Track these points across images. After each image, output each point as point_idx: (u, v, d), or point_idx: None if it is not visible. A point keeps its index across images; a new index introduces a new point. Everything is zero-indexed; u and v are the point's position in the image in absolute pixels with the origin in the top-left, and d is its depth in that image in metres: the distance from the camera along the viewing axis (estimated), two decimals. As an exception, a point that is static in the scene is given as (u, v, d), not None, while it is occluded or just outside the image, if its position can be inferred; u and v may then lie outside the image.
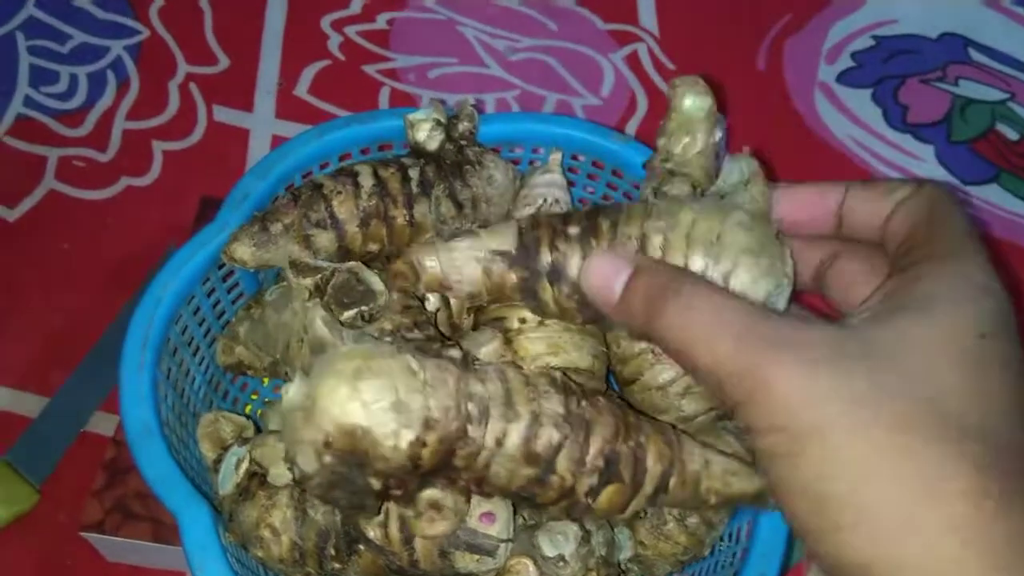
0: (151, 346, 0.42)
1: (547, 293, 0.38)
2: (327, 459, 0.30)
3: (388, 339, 0.35)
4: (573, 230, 0.38)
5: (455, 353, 0.33)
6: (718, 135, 0.42)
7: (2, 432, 0.53)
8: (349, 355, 0.31)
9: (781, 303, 0.35)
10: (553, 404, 0.33)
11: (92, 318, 0.57)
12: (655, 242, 0.37)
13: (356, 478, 0.31)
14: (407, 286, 0.38)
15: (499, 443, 0.32)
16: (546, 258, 0.38)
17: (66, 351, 0.56)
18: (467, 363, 0.33)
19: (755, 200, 0.40)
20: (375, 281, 0.40)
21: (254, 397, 0.51)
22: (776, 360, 0.27)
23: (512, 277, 0.38)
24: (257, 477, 0.39)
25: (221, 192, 0.47)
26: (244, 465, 0.39)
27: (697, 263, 0.36)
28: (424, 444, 0.31)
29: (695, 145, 0.42)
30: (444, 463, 0.32)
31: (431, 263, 0.39)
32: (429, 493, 0.34)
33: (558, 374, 0.35)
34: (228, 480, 0.39)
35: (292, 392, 0.31)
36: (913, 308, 0.28)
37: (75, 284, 0.59)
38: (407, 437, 0.30)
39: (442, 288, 0.39)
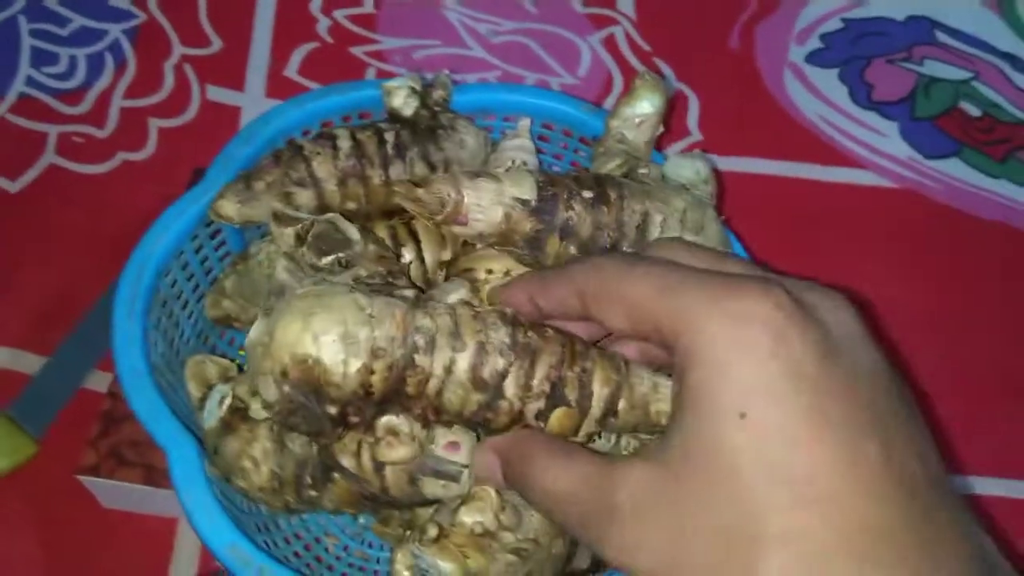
0: (141, 296, 0.45)
1: (552, 247, 0.42)
2: (285, 388, 0.34)
3: (349, 283, 0.38)
4: (587, 194, 0.42)
5: (407, 293, 0.37)
6: (660, 128, 0.50)
7: (3, 388, 0.56)
8: (303, 295, 0.34)
9: None
10: (500, 335, 0.36)
11: (89, 283, 0.60)
12: (656, 219, 0.43)
13: (313, 406, 0.34)
14: (423, 212, 0.41)
15: (448, 371, 0.35)
16: (562, 215, 0.41)
17: (64, 314, 0.59)
18: (417, 301, 0.36)
19: (712, 197, 0.48)
20: (352, 230, 0.43)
21: (241, 352, 0.54)
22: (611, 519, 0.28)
23: (527, 226, 0.41)
24: (239, 412, 0.42)
25: (212, 164, 0.50)
26: (227, 401, 0.42)
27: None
28: (372, 371, 0.34)
29: (645, 135, 0.49)
30: (396, 391, 0.35)
31: (464, 195, 0.40)
32: (386, 420, 0.37)
33: (508, 310, 0.37)
34: (212, 416, 0.42)
35: (253, 330, 0.35)
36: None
37: (74, 252, 0.62)
38: (355, 365, 0.34)
39: (456, 222, 0.41)
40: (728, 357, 0.27)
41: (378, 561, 0.50)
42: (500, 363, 0.35)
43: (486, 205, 0.40)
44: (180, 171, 0.63)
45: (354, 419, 0.36)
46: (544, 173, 0.43)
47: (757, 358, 0.26)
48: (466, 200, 0.40)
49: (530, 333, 0.36)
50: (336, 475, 0.40)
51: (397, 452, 0.37)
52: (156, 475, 0.50)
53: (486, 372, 0.35)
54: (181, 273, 0.48)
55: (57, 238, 0.62)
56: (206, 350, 0.52)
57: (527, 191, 0.41)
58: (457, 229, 0.41)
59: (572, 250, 0.41)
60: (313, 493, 0.41)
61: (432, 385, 0.35)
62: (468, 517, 0.40)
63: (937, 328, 0.65)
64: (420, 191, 0.40)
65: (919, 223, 0.69)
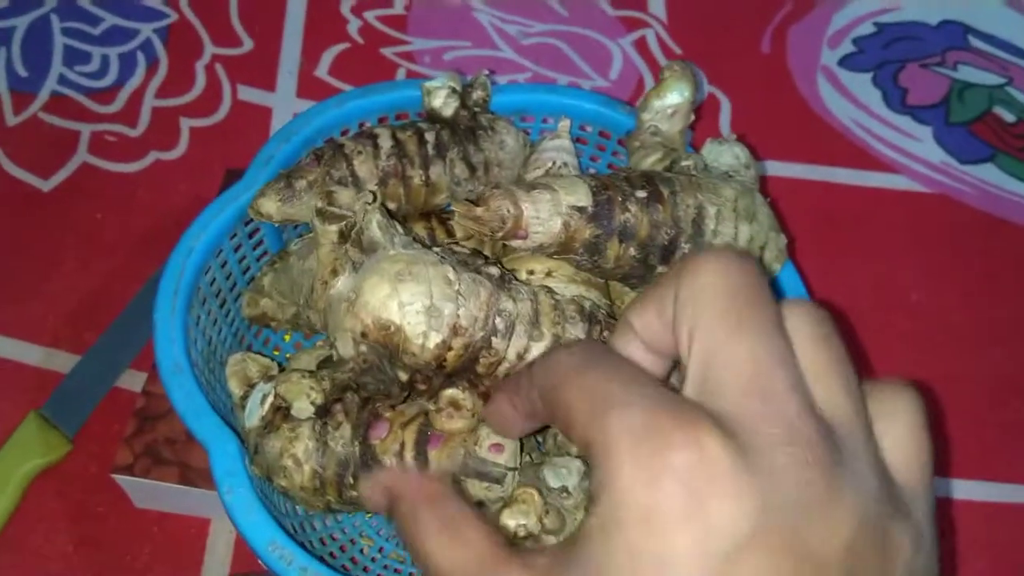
0: (182, 293, 0.45)
1: (613, 250, 0.42)
2: (362, 348, 0.34)
3: (437, 250, 0.38)
4: (641, 193, 0.42)
5: (493, 271, 0.36)
6: (692, 116, 0.49)
7: (37, 386, 0.56)
8: (395, 258, 0.34)
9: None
10: (576, 330, 0.36)
11: (122, 282, 0.60)
12: (710, 211, 0.42)
13: (386, 368, 0.34)
14: (483, 230, 0.40)
15: (520, 357, 0.35)
16: (619, 218, 0.41)
17: (97, 313, 0.59)
18: (503, 281, 0.36)
19: (755, 181, 0.47)
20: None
21: (276, 352, 0.54)
22: None
23: (586, 233, 0.41)
24: (281, 411, 0.41)
25: (244, 165, 0.50)
26: (269, 400, 0.41)
27: (745, 232, 0.43)
28: (450, 348, 0.34)
29: (678, 125, 0.49)
30: (467, 367, 0.35)
31: (523, 209, 0.40)
32: (451, 392, 0.37)
33: (588, 303, 0.37)
34: (254, 414, 0.42)
35: (340, 284, 0.34)
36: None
37: (106, 251, 0.62)
38: (435, 339, 0.33)
39: (516, 236, 0.41)
40: (632, 516, 0.22)
41: (414, 563, 0.50)
42: None
43: (544, 217, 0.40)
44: (212, 171, 0.63)
45: (421, 387, 0.36)
46: (594, 176, 0.43)
47: (662, 527, 0.21)
48: (525, 214, 0.40)
49: (605, 333, 0.36)
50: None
51: (455, 424, 0.37)
52: (192, 474, 0.50)
53: None
54: (220, 271, 0.48)
55: (89, 237, 0.62)
56: (242, 349, 0.51)
57: (583, 198, 0.41)
58: (516, 243, 0.41)
59: (632, 252, 0.41)
60: (354, 493, 0.41)
61: (502, 368, 0.35)
62: (511, 520, 0.40)
63: (968, 333, 0.64)
64: (479, 210, 0.40)
65: (952, 228, 0.69)
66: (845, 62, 0.76)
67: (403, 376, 0.35)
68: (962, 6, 0.80)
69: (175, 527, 0.53)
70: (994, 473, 0.59)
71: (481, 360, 0.35)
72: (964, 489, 0.58)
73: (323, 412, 0.40)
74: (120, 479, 0.50)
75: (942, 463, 0.59)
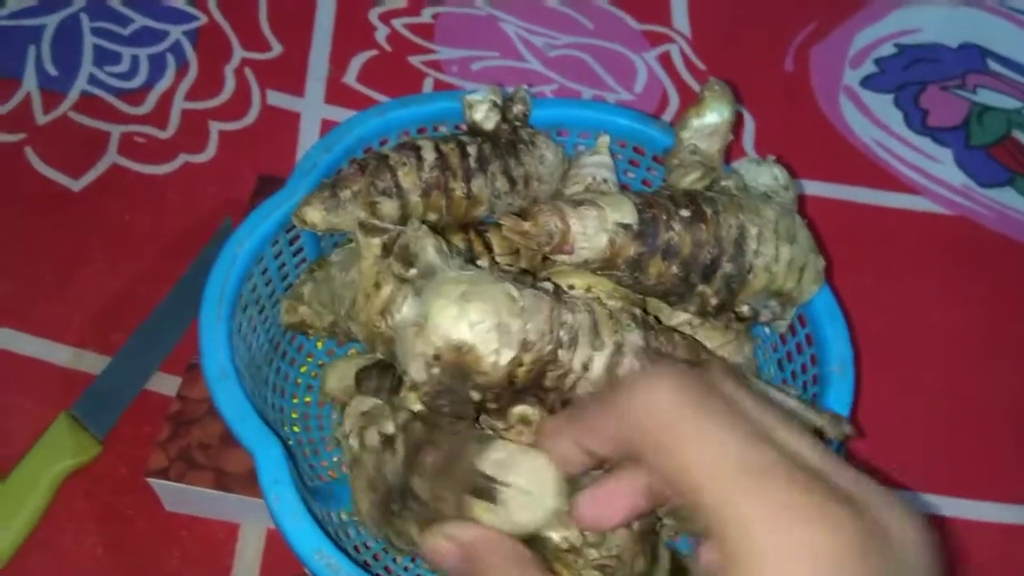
0: (227, 299, 0.45)
1: (656, 268, 0.42)
2: (435, 370, 0.34)
3: (494, 273, 0.38)
4: (684, 212, 0.43)
5: (547, 285, 0.37)
6: (731, 136, 0.50)
7: (65, 387, 0.56)
8: (457, 280, 0.34)
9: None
10: (635, 336, 0.36)
11: (150, 284, 0.60)
12: (752, 232, 0.43)
13: (459, 388, 0.34)
14: (530, 244, 0.41)
15: (585, 367, 0.35)
16: (664, 236, 0.42)
17: (124, 314, 0.59)
18: (559, 294, 0.37)
19: (795, 203, 0.48)
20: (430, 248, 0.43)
21: (309, 359, 0.54)
22: None
23: (630, 250, 0.41)
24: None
25: (274, 170, 0.50)
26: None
27: (785, 253, 0.43)
28: (521, 364, 0.34)
29: (717, 144, 0.49)
30: (535, 382, 0.35)
31: (571, 225, 0.40)
32: (521, 408, 0.37)
33: (638, 311, 0.38)
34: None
35: (406, 310, 0.35)
36: None
37: (135, 252, 0.62)
38: (507, 356, 0.34)
39: (562, 251, 0.41)
40: None
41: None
42: (636, 364, 0.36)
43: (591, 233, 0.41)
44: (240, 175, 0.63)
45: (492, 405, 0.36)
46: (638, 194, 0.43)
47: None
48: (572, 230, 0.41)
49: (661, 337, 0.37)
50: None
51: (525, 440, 0.38)
52: (227, 479, 0.50)
53: (620, 371, 0.36)
54: (260, 278, 0.48)
55: (119, 238, 0.62)
56: (277, 355, 0.52)
57: (628, 215, 0.41)
58: (562, 258, 0.41)
59: (674, 270, 0.42)
60: (401, 525, 0.41)
61: (569, 380, 0.36)
62: (555, 533, 0.40)
63: (986, 355, 0.65)
64: (527, 225, 0.40)
65: (971, 251, 0.70)
66: (867, 82, 0.77)
67: (475, 396, 0.35)
68: (981, 30, 0.81)
69: (204, 531, 0.53)
70: (1014, 495, 0.60)
71: (548, 374, 0.35)
72: (980, 510, 0.59)
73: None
74: (154, 483, 0.50)
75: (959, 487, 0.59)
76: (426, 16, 0.76)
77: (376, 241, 0.44)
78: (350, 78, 0.72)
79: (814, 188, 0.71)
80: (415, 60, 0.74)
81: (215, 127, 0.68)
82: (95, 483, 0.54)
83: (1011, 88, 0.77)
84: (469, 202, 0.49)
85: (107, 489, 0.54)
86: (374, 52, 0.74)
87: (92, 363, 0.57)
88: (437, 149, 0.48)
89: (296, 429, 0.52)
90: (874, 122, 0.74)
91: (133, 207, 0.64)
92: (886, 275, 0.68)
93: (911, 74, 0.77)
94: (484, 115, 0.50)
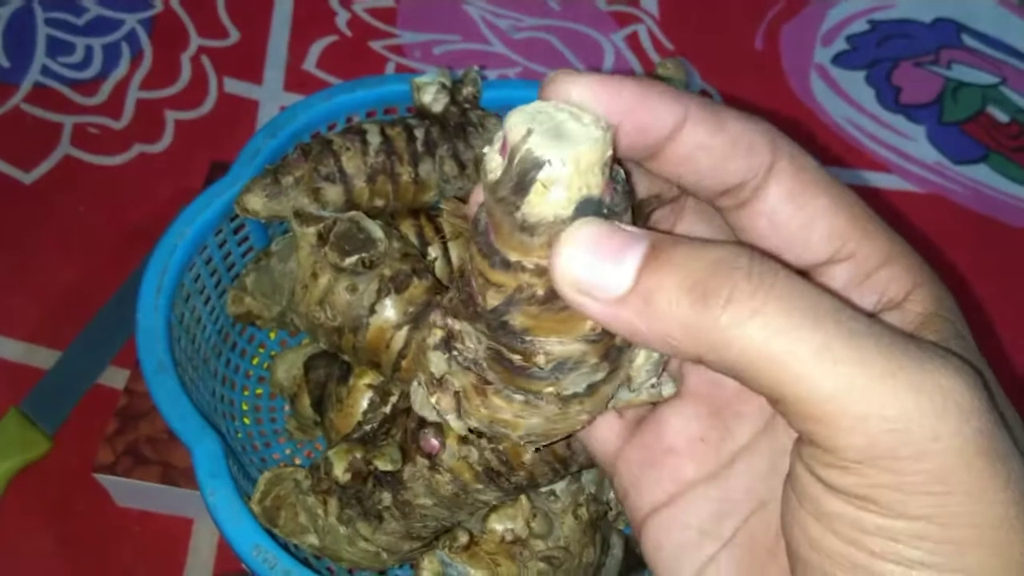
0: (165, 291, 0.44)
1: None
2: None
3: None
4: None
5: None
6: None
7: (16, 382, 0.55)
8: None
9: None
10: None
11: (105, 277, 0.59)
12: None
13: None
14: (471, 229, 0.39)
15: None
16: None
17: (78, 308, 0.58)
18: None
19: None
20: (375, 229, 0.42)
21: (261, 350, 0.53)
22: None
23: None
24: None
25: (231, 159, 0.49)
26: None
27: None
28: None
29: None
30: None
31: None
32: None
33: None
34: None
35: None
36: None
37: (89, 245, 0.61)
38: None
39: None
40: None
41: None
42: None
43: None
44: (197, 164, 0.62)
45: None
46: None
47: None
48: None
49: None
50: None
51: None
52: (174, 474, 0.49)
53: None
54: (204, 268, 0.47)
55: (71, 231, 0.61)
56: (226, 347, 0.51)
57: None
58: None
59: None
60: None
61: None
62: (499, 524, 0.39)
63: (962, 335, 0.64)
64: (468, 208, 0.39)
65: (945, 228, 0.68)
66: (838, 60, 0.75)
67: None
68: (955, 4, 0.79)
69: (158, 526, 0.52)
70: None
71: None
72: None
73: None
74: (101, 478, 0.49)
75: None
76: (388, 0, 0.75)
77: (311, 230, 0.43)
78: (310, 65, 0.71)
79: (784, 168, 0.70)
80: (376, 45, 0.72)
81: (171, 116, 0.67)
82: (46, 479, 0.53)
83: (986, 63, 0.76)
84: (417, 187, 0.47)
85: (57, 485, 0.53)
86: (335, 38, 0.72)
87: (44, 358, 0.56)
88: (383, 133, 0.47)
89: (247, 421, 0.51)
90: (846, 100, 0.73)
91: (87, 199, 0.62)
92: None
93: (884, 50, 0.76)
94: (432, 97, 0.49)
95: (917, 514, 0.19)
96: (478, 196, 0.23)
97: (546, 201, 0.20)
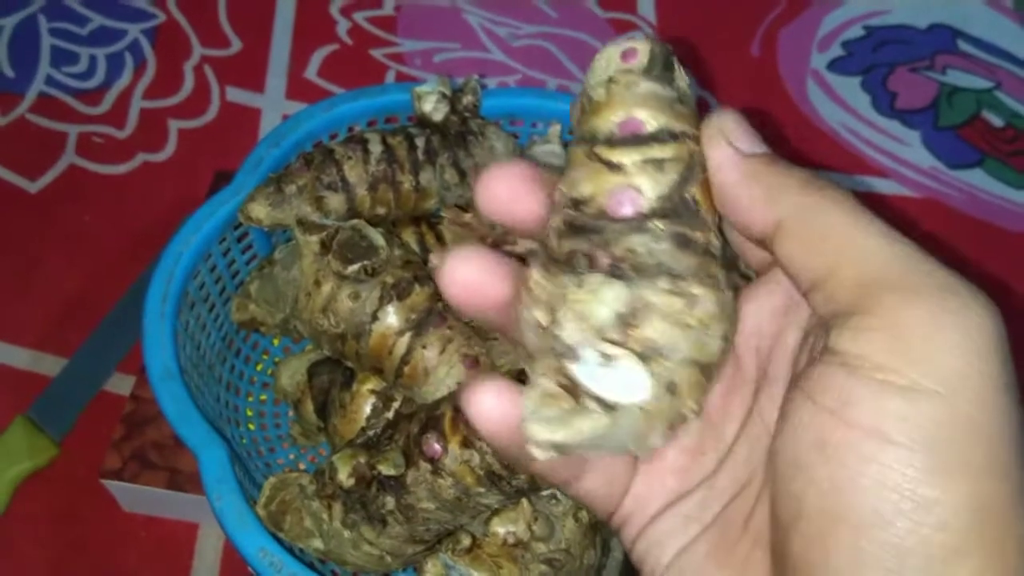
0: (171, 298, 0.44)
1: None
2: None
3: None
4: None
5: None
6: None
7: (23, 390, 0.55)
8: None
9: None
10: None
11: (110, 285, 0.59)
12: None
13: None
14: (472, 236, 0.40)
15: None
16: None
17: (84, 315, 0.58)
18: None
19: None
20: (377, 237, 0.43)
21: (265, 356, 0.54)
22: None
23: None
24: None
25: (234, 167, 0.50)
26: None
27: None
28: None
29: None
30: None
31: None
32: None
33: None
34: None
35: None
36: None
37: (94, 253, 0.61)
38: None
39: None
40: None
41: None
42: None
43: None
44: (200, 173, 0.63)
45: None
46: None
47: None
48: None
49: None
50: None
51: None
52: (180, 479, 0.49)
53: None
54: (209, 276, 0.48)
55: (76, 239, 0.62)
56: (231, 353, 0.51)
57: None
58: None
59: None
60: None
61: None
62: (501, 527, 0.40)
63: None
64: (468, 216, 0.40)
65: (940, 233, 0.69)
66: (834, 65, 0.76)
67: None
68: (951, 10, 0.80)
69: (163, 531, 0.52)
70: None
71: None
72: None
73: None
74: (108, 484, 0.50)
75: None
76: (388, 8, 0.76)
77: (314, 239, 0.43)
78: (311, 73, 0.71)
79: (781, 173, 0.70)
80: (377, 53, 0.73)
81: (174, 125, 0.67)
82: (53, 485, 0.53)
83: (981, 68, 0.77)
84: (418, 195, 0.48)
85: (64, 491, 0.53)
86: (335, 46, 0.73)
87: (50, 365, 0.57)
88: (384, 142, 0.48)
89: (252, 427, 0.51)
90: (841, 105, 0.74)
91: (91, 208, 0.63)
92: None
93: (879, 56, 0.77)
94: (433, 106, 0.50)
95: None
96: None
97: None
